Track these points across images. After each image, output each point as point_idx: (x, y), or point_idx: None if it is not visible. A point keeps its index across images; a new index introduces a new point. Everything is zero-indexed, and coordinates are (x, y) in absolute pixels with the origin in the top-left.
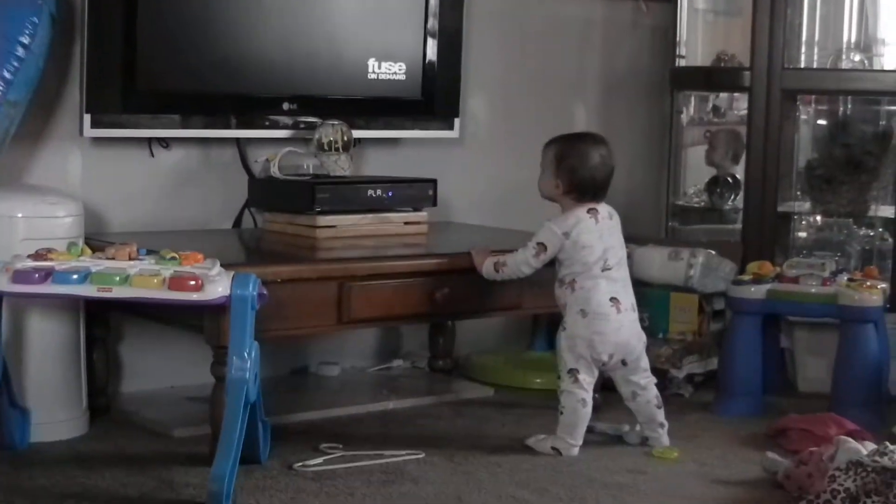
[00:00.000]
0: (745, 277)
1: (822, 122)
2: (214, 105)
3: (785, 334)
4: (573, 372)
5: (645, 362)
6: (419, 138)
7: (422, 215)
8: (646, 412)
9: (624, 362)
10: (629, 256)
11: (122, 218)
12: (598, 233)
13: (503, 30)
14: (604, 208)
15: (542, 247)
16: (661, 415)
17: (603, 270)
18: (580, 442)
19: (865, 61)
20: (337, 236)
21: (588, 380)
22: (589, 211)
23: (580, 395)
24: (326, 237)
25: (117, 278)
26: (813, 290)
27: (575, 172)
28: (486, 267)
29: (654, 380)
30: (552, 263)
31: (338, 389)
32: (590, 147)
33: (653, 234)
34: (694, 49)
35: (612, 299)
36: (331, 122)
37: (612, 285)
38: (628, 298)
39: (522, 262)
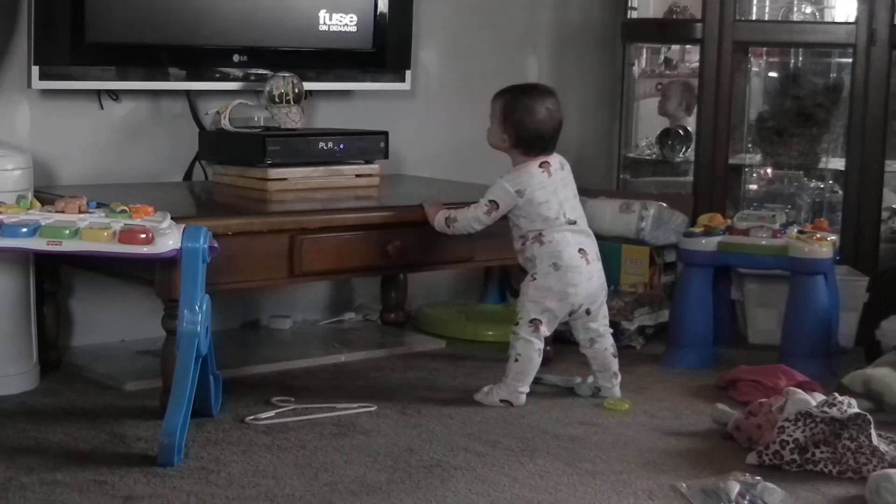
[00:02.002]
0: (696, 230)
1: (773, 74)
2: (164, 57)
3: (735, 286)
4: (535, 322)
5: (605, 310)
6: (370, 90)
7: (373, 168)
8: (602, 360)
9: (588, 311)
10: None
11: (71, 171)
12: (552, 187)
13: None
14: (555, 159)
15: (493, 204)
16: (615, 364)
17: (566, 224)
18: (528, 389)
19: (816, 13)
20: (288, 189)
21: (546, 332)
22: (541, 165)
23: (538, 345)
24: (277, 190)
25: (67, 231)
26: (763, 243)
27: (521, 126)
28: (438, 220)
29: (611, 329)
30: (505, 217)
31: (289, 342)
32: (536, 100)
33: (604, 187)
34: (646, 1)
35: (581, 250)
36: (282, 74)
37: (577, 237)
38: (593, 248)
39: (473, 219)
